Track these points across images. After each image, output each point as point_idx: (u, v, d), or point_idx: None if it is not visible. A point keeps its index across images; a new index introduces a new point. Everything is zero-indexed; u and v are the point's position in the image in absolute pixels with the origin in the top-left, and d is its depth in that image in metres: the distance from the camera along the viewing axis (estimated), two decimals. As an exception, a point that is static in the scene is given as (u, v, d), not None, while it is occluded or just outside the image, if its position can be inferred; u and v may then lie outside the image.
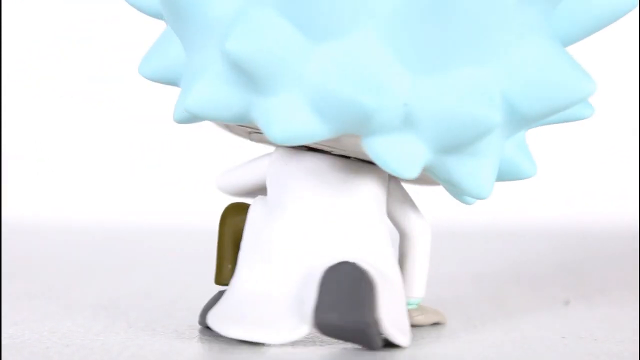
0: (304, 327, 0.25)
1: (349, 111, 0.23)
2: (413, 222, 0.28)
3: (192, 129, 0.40)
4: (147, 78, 0.26)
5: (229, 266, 0.27)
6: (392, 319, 0.25)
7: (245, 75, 0.23)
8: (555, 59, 0.24)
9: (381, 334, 0.25)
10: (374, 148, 0.24)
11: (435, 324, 0.29)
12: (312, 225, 0.26)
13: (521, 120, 0.24)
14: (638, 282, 0.39)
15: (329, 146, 0.26)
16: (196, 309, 0.32)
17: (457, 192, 0.27)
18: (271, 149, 0.29)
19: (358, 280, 0.25)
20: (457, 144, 0.24)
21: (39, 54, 0.78)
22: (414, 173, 0.24)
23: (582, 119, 0.28)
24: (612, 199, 0.69)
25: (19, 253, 0.54)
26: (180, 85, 0.26)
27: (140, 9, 0.27)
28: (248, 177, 0.28)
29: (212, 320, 0.26)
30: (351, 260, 0.26)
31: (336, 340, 0.26)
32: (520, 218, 0.66)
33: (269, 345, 0.25)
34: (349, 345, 0.26)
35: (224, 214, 0.28)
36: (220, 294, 0.28)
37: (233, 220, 0.27)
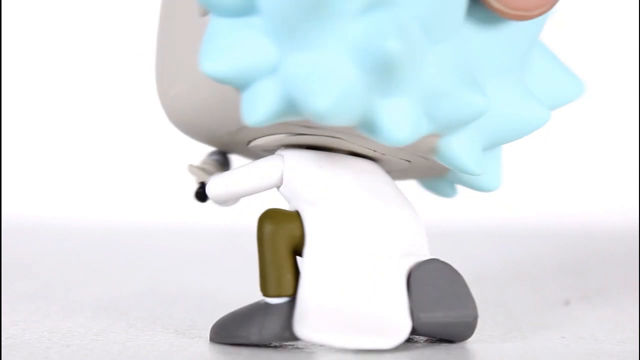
0: (406, 328, 0.25)
1: (463, 111, 0.24)
2: None
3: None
4: (217, 77, 0.23)
5: (289, 276, 0.26)
6: None
7: (385, 76, 0.22)
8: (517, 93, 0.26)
9: None
10: (451, 146, 0.25)
11: None
12: (378, 226, 0.26)
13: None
14: (638, 282, 0.39)
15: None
16: (196, 309, 0.32)
17: (466, 184, 0.28)
18: (245, 160, 0.29)
19: (451, 276, 0.26)
20: (502, 141, 0.26)
21: (39, 54, 0.78)
22: (482, 171, 0.26)
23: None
24: (612, 199, 0.69)
25: (19, 253, 0.54)
26: (264, 84, 0.23)
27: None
28: (253, 185, 0.27)
29: (306, 331, 0.25)
30: (431, 257, 0.26)
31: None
32: (520, 218, 0.66)
33: (378, 350, 0.25)
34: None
35: (274, 223, 0.25)
36: (260, 306, 0.26)
37: (287, 228, 0.25)
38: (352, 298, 0.25)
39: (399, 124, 0.23)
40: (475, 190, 0.28)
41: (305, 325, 0.25)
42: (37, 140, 0.78)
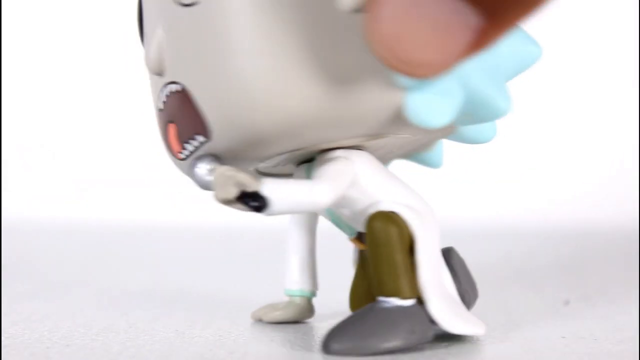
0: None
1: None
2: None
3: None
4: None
5: (415, 277, 0.26)
6: None
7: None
8: None
9: None
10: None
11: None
12: (430, 218, 0.27)
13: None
14: (638, 282, 0.39)
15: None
16: (196, 309, 0.32)
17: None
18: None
19: (462, 260, 0.28)
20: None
21: (39, 53, 0.78)
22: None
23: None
24: (612, 199, 0.69)
25: (19, 253, 0.54)
26: (451, 86, 0.24)
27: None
28: (345, 189, 0.26)
29: (458, 326, 0.26)
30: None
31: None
32: (520, 218, 0.66)
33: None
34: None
35: (397, 225, 0.26)
36: (394, 310, 0.25)
37: (406, 230, 0.26)
38: (450, 290, 0.27)
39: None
40: (473, 143, 0.29)
41: (453, 320, 0.26)
42: (37, 140, 0.78)
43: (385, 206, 0.26)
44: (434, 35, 0.20)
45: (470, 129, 0.28)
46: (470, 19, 0.20)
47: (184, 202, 0.71)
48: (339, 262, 0.34)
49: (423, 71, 0.21)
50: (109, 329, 0.29)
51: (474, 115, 0.26)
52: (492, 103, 0.25)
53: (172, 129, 0.26)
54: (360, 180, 0.26)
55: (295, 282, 0.30)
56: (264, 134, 0.25)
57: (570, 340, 0.27)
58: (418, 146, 0.30)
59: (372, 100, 0.24)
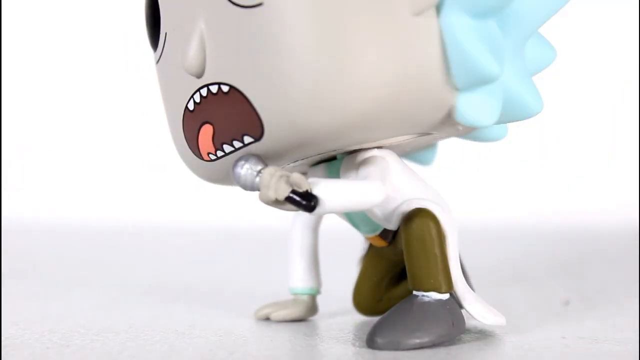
0: None
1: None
2: None
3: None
4: (494, 77, 0.25)
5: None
6: None
7: None
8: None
9: None
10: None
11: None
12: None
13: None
14: (638, 282, 0.39)
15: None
16: (196, 309, 0.32)
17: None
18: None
19: None
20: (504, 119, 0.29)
21: (39, 53, 0.78)
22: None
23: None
24: (612, 198, 0.69)
25: (19, 253, 0.54)
26: (495, 87, 0.25)
27: None
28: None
29: (490, 317, 0.27)
30: None
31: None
32: (520, 218, 0.66)
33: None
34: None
35: (435, 222, 0.26)
36: (435, 304, 0.26)
37: (440, 226, 0.27)
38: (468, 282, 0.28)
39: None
40: (485, 142, 0.30)
41: (484, 312, 0.27)
42: (38, 141, 0.78)
43: (419, 203, 0.27)
44: None
45: (486, 128, 0.29)
46: None
47: (184, 202, 0.71)
48: (336, 261, 0.34)
49: None
50: (109, 329, 0.29)
51: (508, 115, 0.26)
52: (525, 103, 0.26)
53: (207, 129, 0.26)
54: (393, 179, 0.27)
55: (301, 280, 0.31)
56: (321, 135, 0.24)
57: (570, 340, 0.27)
58: (427, 144, 0.30)
59: (427, 100, 0.25)
